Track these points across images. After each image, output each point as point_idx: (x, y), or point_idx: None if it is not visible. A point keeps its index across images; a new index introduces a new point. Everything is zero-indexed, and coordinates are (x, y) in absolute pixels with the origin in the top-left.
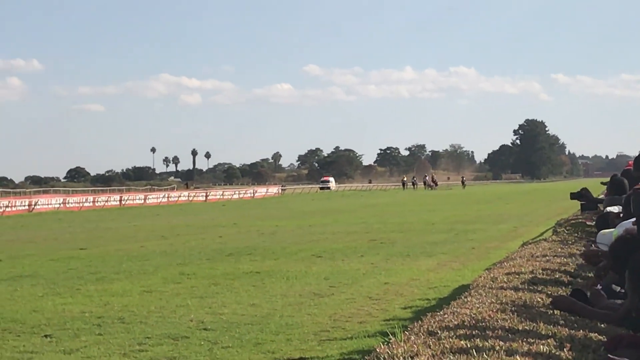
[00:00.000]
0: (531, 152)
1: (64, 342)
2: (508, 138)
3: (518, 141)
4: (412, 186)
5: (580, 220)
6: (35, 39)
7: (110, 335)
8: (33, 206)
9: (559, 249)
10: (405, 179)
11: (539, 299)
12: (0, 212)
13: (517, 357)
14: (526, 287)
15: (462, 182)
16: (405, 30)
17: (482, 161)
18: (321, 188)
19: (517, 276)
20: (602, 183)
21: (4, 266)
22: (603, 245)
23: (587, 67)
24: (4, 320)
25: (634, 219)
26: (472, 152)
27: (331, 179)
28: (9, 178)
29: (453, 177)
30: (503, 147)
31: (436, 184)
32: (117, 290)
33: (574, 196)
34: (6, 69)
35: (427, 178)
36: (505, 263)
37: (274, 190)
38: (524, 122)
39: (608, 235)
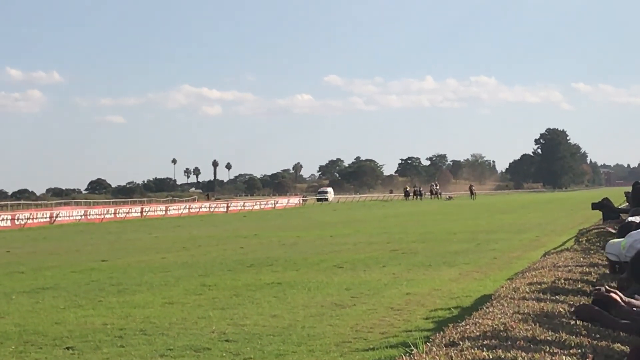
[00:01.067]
0: (552, 161)
1: (86, 354)
2: (529, 147)
3: (539, 150)
4: (415, 197)
5: (602, 229)
6: (56, 50)
7: (132, 347)
8: (54, 218)
9: (581, 259)
10: (408, 188)
11: (561, 309)
12: (22, 224)
13: None
14: (548, 297)
15: (471, 192)
16: (425, 40)
17: (504, 171)
18: (318, 200)
19: (539, 286)
20: (625, 193)
21: (26, 278)
22: (611, 255)
23: (608, 76)
24: (26, 333)
25: None
26: (494, 161)
27: (329, 189)
28: (30, 190)
29: (475, 187)
30: (524, 156)
31: (439, 194)
32: (138, 301)
33: (595, 206)
34: (27, 81)
35: (433, 187)
36: (527, 273)
37: (295, 200)
38: (545, 131)
39: (617, 244)
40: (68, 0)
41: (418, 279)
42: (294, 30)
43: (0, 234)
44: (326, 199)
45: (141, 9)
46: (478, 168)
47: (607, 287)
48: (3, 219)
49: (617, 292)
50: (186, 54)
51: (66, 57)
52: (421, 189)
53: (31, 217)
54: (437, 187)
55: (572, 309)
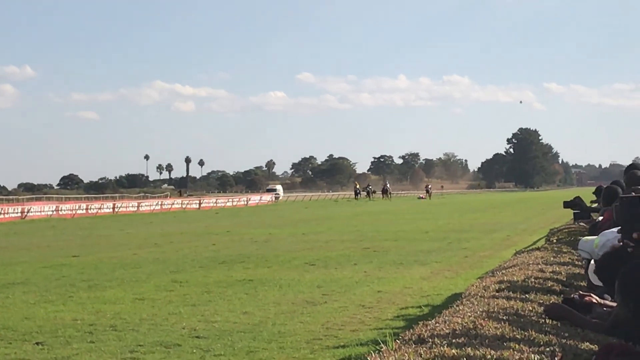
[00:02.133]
0: (524, 160)
1: (55, 350)
2: (502, 147)
3: (512, 150)
4: (367, 195)
5: (573, 229)
6: (28, 45)
7: (102, 342)
8: (26, 213)
9: (552, 258)
10: (357, 185)
11: (531, 308)
12: None
13: None
14: (518, 295)
15: (427, 191)
16: (399, 39)
17: (476, 170)
18: None
19: (509, 285)
20: (593, 193)
21: None
22: (584, 252)
23: (580, 76)
24: None
25: (617, 228)
26: (466, 160)
27: (278, 187)
28: (1, 185)
29: (447, 185)
30: (497, 155)
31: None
32: (109, 297)
33: (567, 205)
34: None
35: (387, 186)
36: (497, 272)
37: (267, 198)
38: (518, 130)
39: (590, 242)
40: None
41: (389, 277)
42: (267, 27)
43: None
44: (277, 197)
45: (115, 5)
46: (450, 167)
47: (580, 292)
48: None
49: (592, 295)
50: (159, 50)
51: (39, 51)
52: (371, 188)
53: (2, 212)
54: (388, 187)
55: (542, 308)
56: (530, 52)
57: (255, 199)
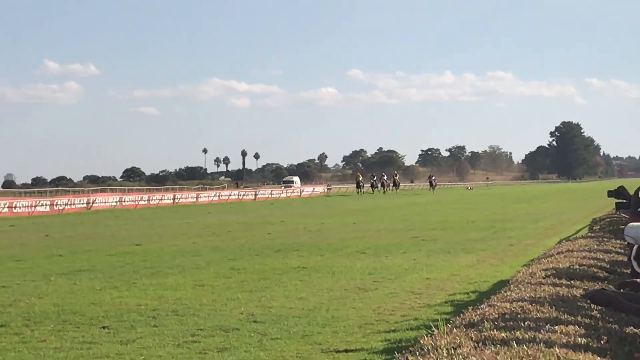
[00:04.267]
0: (567, 153)
1: (120, 334)
2: (545, 140)
3: (554, 143)
4: (373, 190)
5: (615, 218)
6: (92, 44)
7: (165, 327)
8: (91, 204)
9: (595, 246)
10: (361, 178)
11: (576, 294)
12: (60, 209)
13: (556, 348)
14: (563, 282)
15: (431, 184)
16: (445, 36)
17: (520, 162)
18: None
19: (554, 272)
20: None
21: (64, 261)
22: (630, 238)
23: (621, 72)
24: (64, 312)
25: None
26: (511, 153)
27: (295, 178)
28: (68, 177)
29: (492, 177)
30: (540, 148)
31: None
32: (171, 284)
33: (611, 194)
34: (65, 74)
35: (396, 178)
36: (542, 259)
37: (320, 189)
38: (560, 124)
39: (636, 228)
40: None
41: (437, 265)
42: (318, 26)
43: (40, 218)
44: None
45: (174, 5)
46: (496, 159)
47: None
48: (43, 205)
49: (637, 280)
50: (216, 48)
51: (102, 50)
52: (376, 180)
53: (69, 203)
54: (397, 179)
55: (587, 293)
56: (572, 49)
57: (308, 190)
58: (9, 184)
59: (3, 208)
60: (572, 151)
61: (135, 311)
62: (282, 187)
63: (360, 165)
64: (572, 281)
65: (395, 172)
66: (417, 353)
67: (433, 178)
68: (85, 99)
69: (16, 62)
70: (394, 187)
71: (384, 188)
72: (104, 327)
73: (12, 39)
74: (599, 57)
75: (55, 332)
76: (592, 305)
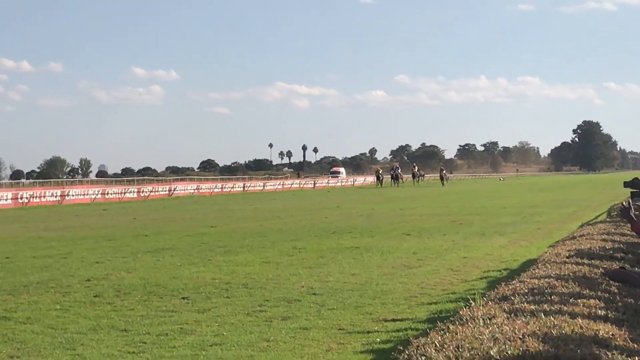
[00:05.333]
0: (588, 148)
1: (198, 303)
2: (568, 136)
3: (576, 139)
4: (393, 182)
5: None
6: (173, 52)
7: (236, 298)
8: (172, 191)
9: (613, 230)
10: (380, 171)
11: (596, 272)
12: (146, 196)
13: (579, 319)
14: (585, 261)
15: (442, 177)
16: (480, 46)
17: (546, 155)
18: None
19: (577, 252)
20: None
21: (149, 240)
22: None
23: (635, 77)
24: (149, 285)
25: None
26: (538, 147)
27: (341, 169)
28: (152, 168)
29: (522, 169)
30: (564, 143)
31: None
32: (241, 261)
33: (627, 184)
34: (150, 79)
35: (415, 170)
36: (567, 241)
37: (370, 179)
38: (582, 122)
39: None
40: (183, 10)
41: (473, 246)
42: (369, 36)
43: (129, 203)
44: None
45: (245, 18)
46: (525, 153)
47: None
48: (131, 192)
49: None
50: (281, 56)
51: (182, 58)
52: (395, 171)
53: (153, 190)
54: (418, 171)
55: (606, 271)
56: (591, 56)
57: (360, 180)
58: (102, 173)
59: (97, 194)
60: (592, 146)
61: (210, 284)
62: (329, 177)
63: (406, 158)
64: (592, 260)
65: (415, 164)
66: (457, 322)
67: (444, 172)
68: (167, 101)
69: (108, 69)
70: (414, 179)
71: (397, 181)
72: (183, 298)
73: (104, 49)
74: (615, 63)
75: (141, 302)
76: (611, 282)
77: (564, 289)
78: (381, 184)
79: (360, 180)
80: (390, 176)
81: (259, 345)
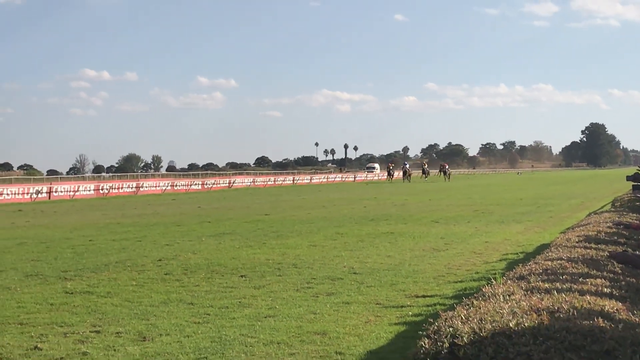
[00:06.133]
0: (594, 147)
1: (254, 281)
2: (577, 136)
3: (584, 139)
4: (404, 178)
5: (632, 197)
6: (233, 64)
7: (287, 276)
8: (232, 184)
9: (617, 218)
10: (392, 167)
11: (602, 255)
12: (208, 188)
13: (587, 296)
14: (592, 245)
15: (444, 172)
16: (499, 57)
17: (558, 153)
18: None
19: (585, 237)
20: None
21: (212, 226)
22: None
23: (636, 84)
24: (212, 265)
25: None
26: (550, 146)
27: (376, 165)
28: (214, 164)
29: (536, 165)
30: (573, 143)
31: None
32: (291, 244)
33: (629, 178)
34: (213, 86)
35: (425, 166)
36: (576, 228)
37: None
38: (589, 124)
39: None
40: (241, 27)
41: (494, 232)
42: (402, 49)
43: (194, 194)
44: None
45: (292, 35)
46: (539, 151)
47: None
48: (196, 184)
49: None
50: (326, 66)
51: (240, 68)
52: (407, 169)
53: (215, 183)
54: (427, 167)
55: (609, 254)
56: (598, 66)
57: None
58: (171, 168)
59: (167, 186)
60: (598, 145)
61: (264, 264)
62: (366, 172)
63: (435, 155)
64: (599, 245)
65: (425, 161)
66: (480, 298)
67: (447, 167)
68: (227, 105)
69: (176, 78)
70: (423, 175)
71: (407, 177)
72: (242, 276)
73: (174, 60)
74: (619, 72)
75: (205, 279)
76: (615, 264)
77: (573, 270)
78: (392, 179)
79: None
80: (402, 172)
81: (307, 317)
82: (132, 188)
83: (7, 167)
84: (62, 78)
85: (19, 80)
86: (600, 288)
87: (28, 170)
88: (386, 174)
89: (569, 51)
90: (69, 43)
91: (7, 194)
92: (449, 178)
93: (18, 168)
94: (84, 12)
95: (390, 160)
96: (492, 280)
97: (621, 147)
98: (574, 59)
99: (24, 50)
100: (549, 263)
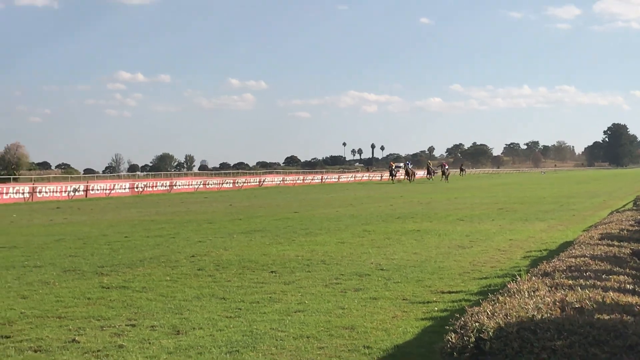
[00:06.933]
0: (616, 147)
1: (284, 276)
2: (599, 136)
3: (606, 139)
4: (407, 178)
5: None
6: (263, 66)
7: (316, 272)
8: (262, 182)
9: (638, 216)
10: (394, 166)
11: (625, 252)
12: (239, 186)
13: (610, 292)
14: (614, 243)
15: (443, 172)
16: (523, 59)
17: (581, 153)
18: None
19: (608, 235)
20: None
21: (243, 223)
22: None
23: None
24: (243, 260)
25: None
26: (573, 146)
27: (401, 164)
28: (245, 163)
29: (559, 165)
30: (596, 143)
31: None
32: (320, 241)
33: None
34: (243, 88)
35: (431, 167)
36: (598, 226)
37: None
38: (611, 125)
39: None
40: (271, 31)
41: (518, 229)
42: (428, 52)
43: (226, 192)
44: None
45: (320, 39)
46: (562, 151)
47: None
48: (227, 183)
49: None
50: (353, 68)
51: (269, 70)
52: (410, 168)
53: (246, 181)
54: (432, 167)
55: (632, 251)
56: (620, 68)
57: (420, 173)
58: (203, 167)
59: (199, 185)
60: (619, 145)
61: (294, 260)
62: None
63: (459, 155)
64: (621, 242)
65: (429, 161)
66: (506, 294)
67: (446, 167)
68: (257, 106)
69: (208, 80)
70: (428, 175)
71: (409, 177)
72: (272, 272)
73: (206, 63)
74: None
75: (237, 274)
76: (638, 260)
77: (596, 267)
78: (393, 179)
79: (420, 173)
80: (405, 172)
81: (335, 312)
82: (165, 186)
83: (45, 166)
84: (99, 80)
85: (57, 82)
86: (623, 284)
87: (66, 169)
88: (393, 173)
89: (591, 53)
90: (104, 47)
91: (46, 192)
92: (447, 179)
93: (56, 167)
94: (119, 17)
95: (392, 160)
96: (517, 276)
97: None
98: (596, 61)
99: (62, 54)
100: (573, 260)
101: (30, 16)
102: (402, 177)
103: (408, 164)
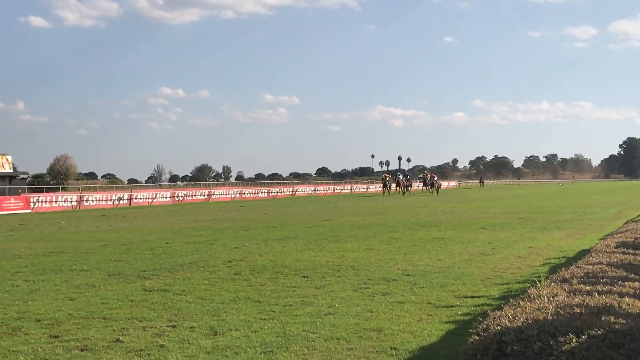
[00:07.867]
0: (632, 159)
1: (315, 281)
2: (615, 149)
3: (622, 152)
4: (399, 190)
5: None
6: (295, 82)
7: (345, 277)
8: (294, 192)
9: None
10: (388, 178)
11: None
12: (273, 196)
13: (626, 298)
14: (630, 251)
15: (432, 184)
16: (542, 75)
17: (597, 165)
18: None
19: (623, 243)
20: None
21: (277, 231)
22: None
23: None
24: (277, 266)
25: None
26: (590, 159)
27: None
28: (279, 174)
29: (577, 176)
30: (612, 156)
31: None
32: (349, 248)
33: None
34: (277, 103)
35: (427, 176)
36: (614, 234)
37: (453, 183)
38: (627, 139)
39: None
40: (305, 49)
41: (537, 238)
42: (452, 69)
43: (260, 202)
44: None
45: (350, 57)
46: (579, 164)
47: None
48: (262, 192)
49: None
50: (380, 84)
51: (302, 86)
52: (402, 180)
53: (280, 191)
54: (428, 179)
55: None
56: (635, 84)
57: (444, 184)
58: (239, 177)
59: (236, 194)
60: (634, 158)
61: (325, 266)
62: (418, 182)
63: (482, 167)
64: (636, 250)
65: (426, 172)
66: (526, 299)
67: (436, 179)
68: (290, 120)
69: (244, 95)
70: (427, 187)
71: (401, 188)
72: (304, 277)
73: (242, 79)
74: None
75: (271, 279)
76: None
77: (613, 273)
78: (389, 191)
79: (444, 184)
80: (397, 183)
81: (364, 315)
82: (204, 195)
83: (92, 176)
84: (142, 95)
85: (103, 97)
86: (638, 290)
87: (111, 179)
88: (387, 185)
89: (607, 71)
90: (148, 64)
91: (92, 201)
92: (437, 191)
93: (102, 177)
94: (162, 37)
95: (387, 171)
96: (537, 282)
97: None
98: (612, 78)
99: (108, 71)
100: (590, 267)
101: (78, 36)
102: (394, 188)
103: (399, 175)
